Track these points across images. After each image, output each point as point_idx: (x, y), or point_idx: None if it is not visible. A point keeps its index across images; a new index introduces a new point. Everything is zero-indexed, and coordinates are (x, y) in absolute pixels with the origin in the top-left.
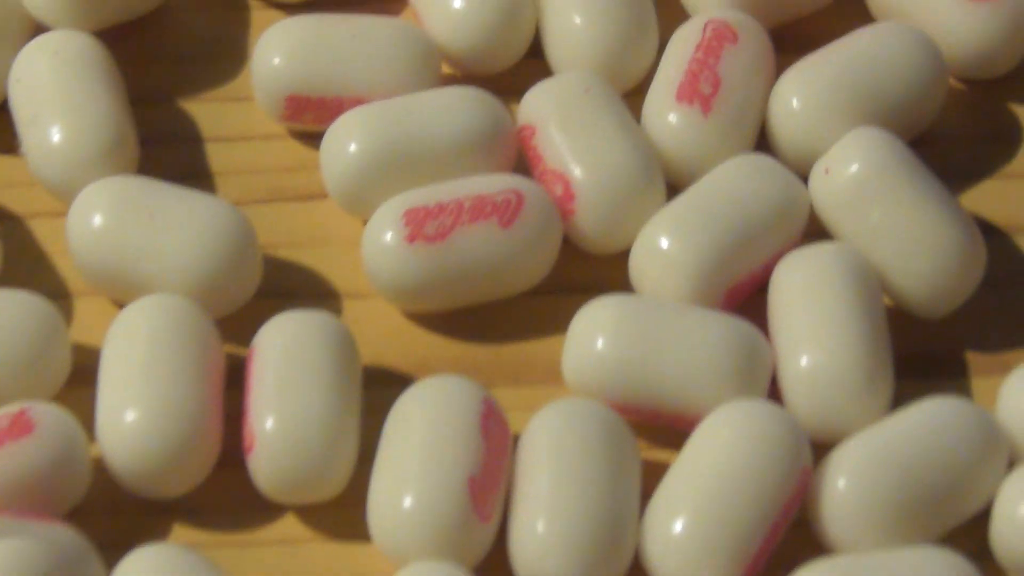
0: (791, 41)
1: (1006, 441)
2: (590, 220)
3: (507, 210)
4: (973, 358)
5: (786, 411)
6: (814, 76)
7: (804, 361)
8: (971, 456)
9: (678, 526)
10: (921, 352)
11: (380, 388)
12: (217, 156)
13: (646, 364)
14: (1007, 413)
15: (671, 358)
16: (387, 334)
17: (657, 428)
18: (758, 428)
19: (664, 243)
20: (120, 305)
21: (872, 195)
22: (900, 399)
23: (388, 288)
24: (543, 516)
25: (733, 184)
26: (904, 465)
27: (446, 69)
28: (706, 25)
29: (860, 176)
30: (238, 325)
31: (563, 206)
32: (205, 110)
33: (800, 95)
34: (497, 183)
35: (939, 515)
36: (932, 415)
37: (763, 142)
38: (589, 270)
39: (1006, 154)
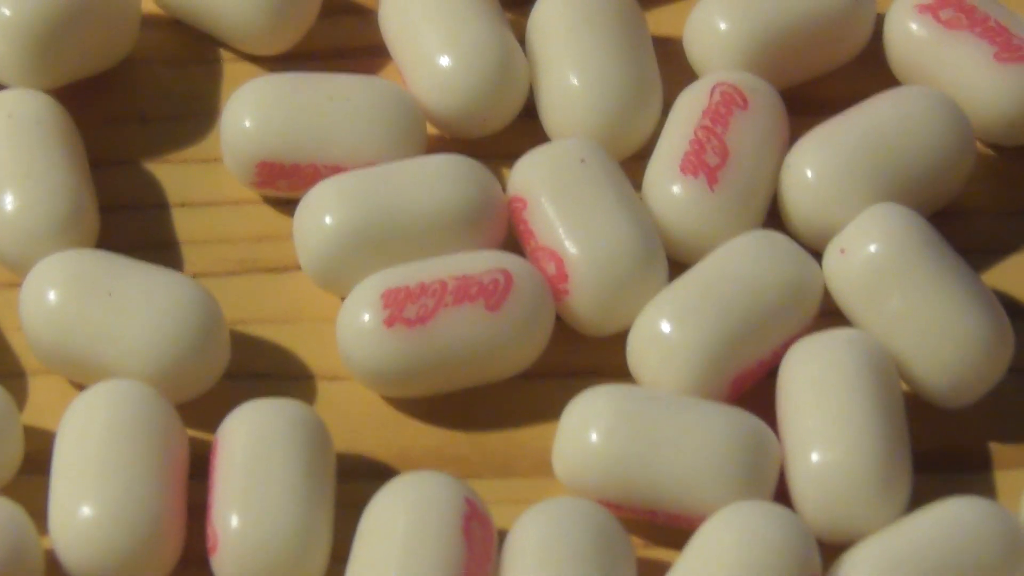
0: (806, 104)
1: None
2: (585, 301)
3: (494, 292)
4: (999, 450)
5: (794, 514)
6: (831, 145)
7: (815, 459)
8: (993, 562)
9: None
10: (943, 445)
11: (356, 480)
12: (183, 224)
13: (643, 461)
14: None
15: (671, 456)
16: (364, 420)
17: (655, 525)
18: (763, 532)
19: (666, 328)
20: (79, 386)
21: (891, 278)
22: (920, 495)
23: (365, 374)
24: None
25: (741, 263)
26: (922, 572)
27: (431, 130)
28: (714, 88)
29: (878, 258)
30: (204, 408)
31: (556, 286)
32: (171, 173)
33: (815, 166)
34: (484, 261)
35: None
36: (952, 516)
37: (774, 217)
38: (584, 353)
39: None
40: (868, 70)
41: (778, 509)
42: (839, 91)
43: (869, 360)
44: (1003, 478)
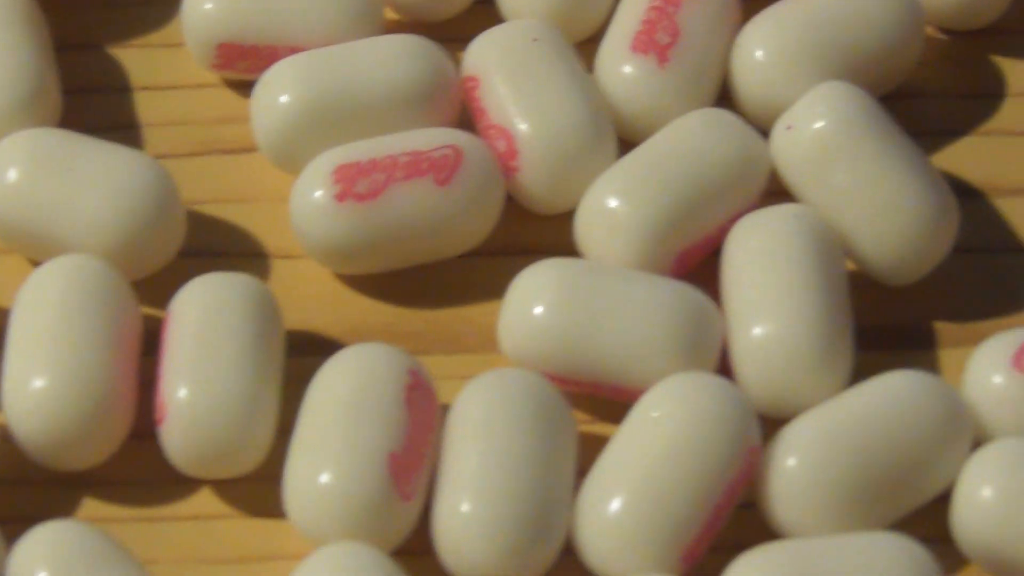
0: None
1: (971, 419)
2: (534, 178)
3: (444, 166)
4: (943, 328)
5: (733, 385)
6: (780, 26)
7: (756, 331)
8: (933, 435)
9: (612, 506)
10: (887, 322)
11: (306, 355)
12: (146, 106)
13: (587, 333)
14: (973, 388)
15: (614, 327)
16: (316, 297)
17: (598, 400)
18: (702, 403)
19: (612, 203)
20: (36, 264)
21: (837, 154)
22: (863, 372)
23: (317, 249)
24: (468, 495)
25: (689, 140)
26: (860, 444)
27: (391, 15)
28: None
29: (824, 133)
30: (160, 286)
31: (506, 163)
32: (134, 57)
33: (764, 46)
34: (435, 138)
35: (896, 497)
36: (892, 390)
37: (726, 99)
38: (532, 231)
39: (986, 110)
40: None
41: (718, 380)
42: None
43: (813, 234)
44: (946, 355)
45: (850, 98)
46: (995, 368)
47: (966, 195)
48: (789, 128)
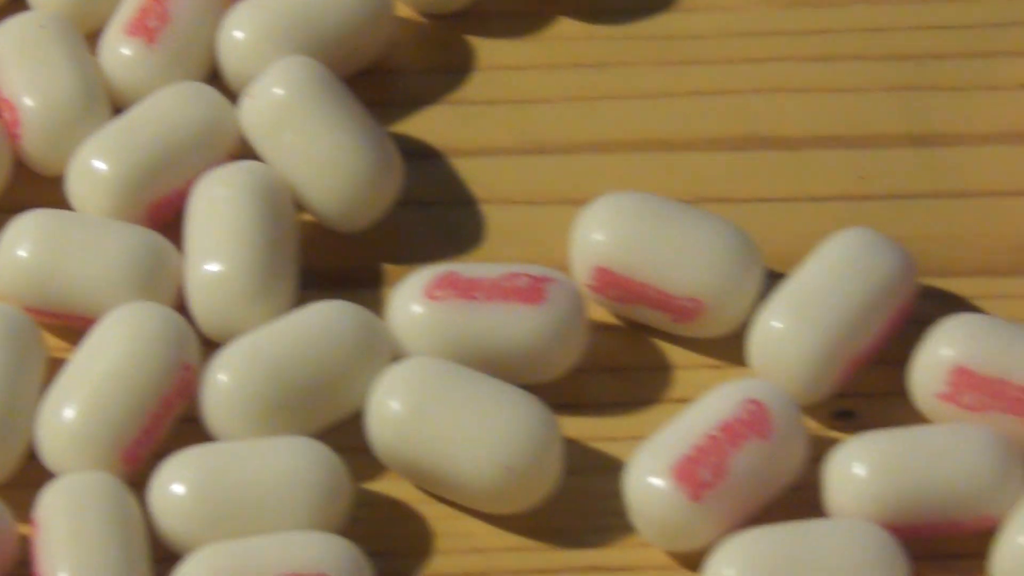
0: None
1: (386, 341)
2: (33, 142)
3: None
4: (390, 270)
5: (172, 311)
6: (259, 9)
7: (205, 268)
8: (349, 354)
9: (65, 414)
10: (340, 265)
11: None
12: None
13: (57, 270)
14: (394, 315)
15: (80, 264)
16: None
17: (71, 329)
18: (141, 326)
19: (94, 163)
20: None
21: (288, 118)
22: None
23: None
24: None
25: (163, 108)
26: (281, 361)
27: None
28: None
29: (277, 100)
30: None
31: (11, 130)
32: None
33: (243, 27)
34: None
35: (315, 408)
36: (315, 316)
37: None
38: (36, 191)
39: (456, 83)
40: None
41: (156, 307)
42: None
43: (261, 187)
44: (389, 293)
45: (304, 70)
46: (412, 298)
47: (430, 156)
48: (250, 96)
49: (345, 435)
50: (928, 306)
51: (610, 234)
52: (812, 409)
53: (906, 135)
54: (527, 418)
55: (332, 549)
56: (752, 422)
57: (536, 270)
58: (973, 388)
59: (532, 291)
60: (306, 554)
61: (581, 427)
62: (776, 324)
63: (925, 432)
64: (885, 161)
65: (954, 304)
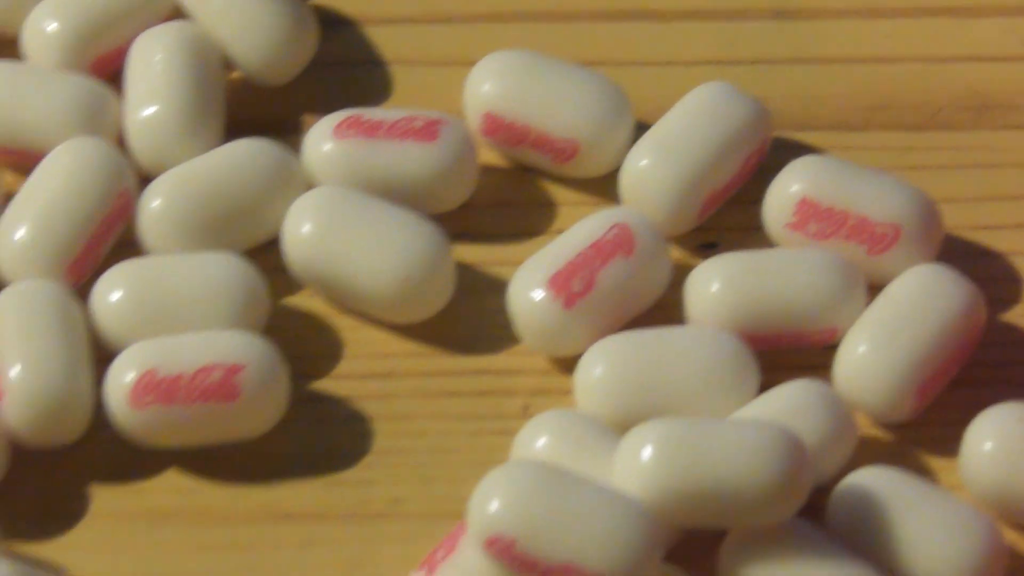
0: None
1: (300, 176)
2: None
3: None
4: (308, 120)
5: (110, 146)
6: None
7: (141, 111)
8: (262, 185)
9: (17, 233)
10: (263, 114)
11: None
12: None
13: (12, 111)
14: (308, 151)
15: (33, 107)
16: None
17: None
18: (83, 156)
19: (48, 23)
20: None
21: None
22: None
23: None
24: None
25: None
26: (205, 187)
27: None
28: None
29: None
30: None
31: None
32: None
33: None
34: None
35: (236, 230)
36: (235, 150)
37: None
38: None
39: None
40: None
41: (93, 142)
42: None
43: (189, 43)
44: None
45: None
46: (322, 136)
47: (346, 23)
48: None
49: (267, 257)
50: (786, 154)
51: (497, 84)
52: (680, 240)
53: (769, 9)
54: (422, 236)
55: (249, 344)
56: (617, 242)
57: (431, 114)
58: (817, 218)
59: (426, 131)
60: (226, 348)
61: (473, 253)
62: (642, 162)
63: (774, 253)
64: (750, 32)
65: (809, 153)
